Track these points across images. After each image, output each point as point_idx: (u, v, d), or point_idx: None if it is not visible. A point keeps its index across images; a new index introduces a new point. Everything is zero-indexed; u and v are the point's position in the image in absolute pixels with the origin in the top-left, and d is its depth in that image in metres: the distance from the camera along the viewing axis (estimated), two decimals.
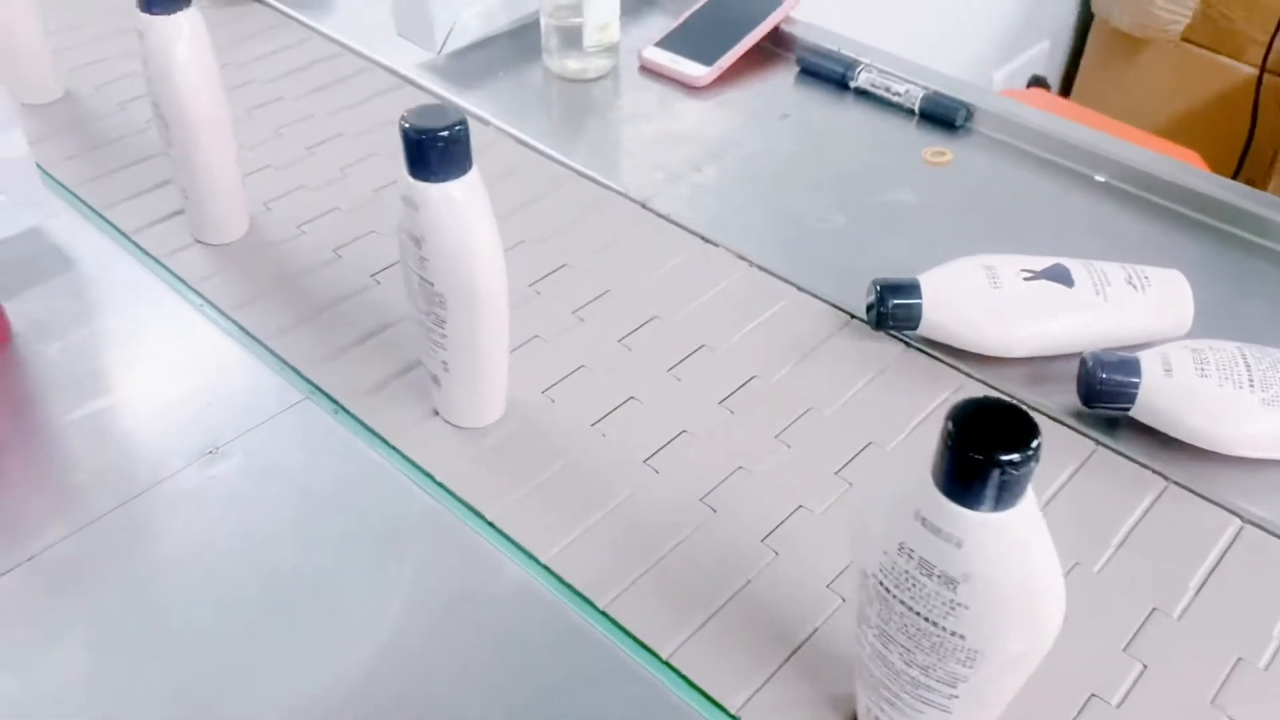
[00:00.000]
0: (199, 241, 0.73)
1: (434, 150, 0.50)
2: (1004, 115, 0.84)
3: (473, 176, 0.52)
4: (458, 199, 0.52)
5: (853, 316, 0.68)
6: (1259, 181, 1.94)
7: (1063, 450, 0.60)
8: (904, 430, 0.61)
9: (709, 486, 0.58)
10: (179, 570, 0.54)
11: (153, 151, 0.80)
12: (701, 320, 0.68)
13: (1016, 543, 0.37)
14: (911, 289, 0.64)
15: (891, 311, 0.64)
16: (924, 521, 0.37)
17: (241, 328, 0.67)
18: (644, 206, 0.77)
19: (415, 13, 0.89)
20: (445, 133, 0.50)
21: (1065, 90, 2.24)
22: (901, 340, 0.66)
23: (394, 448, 0.60)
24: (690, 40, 0.92)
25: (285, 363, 0.64)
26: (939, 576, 0.38)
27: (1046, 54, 2.14)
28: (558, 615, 0.52)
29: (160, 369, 0.65)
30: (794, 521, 0.56)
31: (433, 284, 0.54)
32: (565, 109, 0.89)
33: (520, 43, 0.95)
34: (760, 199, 0.79)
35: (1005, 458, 0.35)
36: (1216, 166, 1.36)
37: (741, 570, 0.54)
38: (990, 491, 0.36)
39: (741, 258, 0.73)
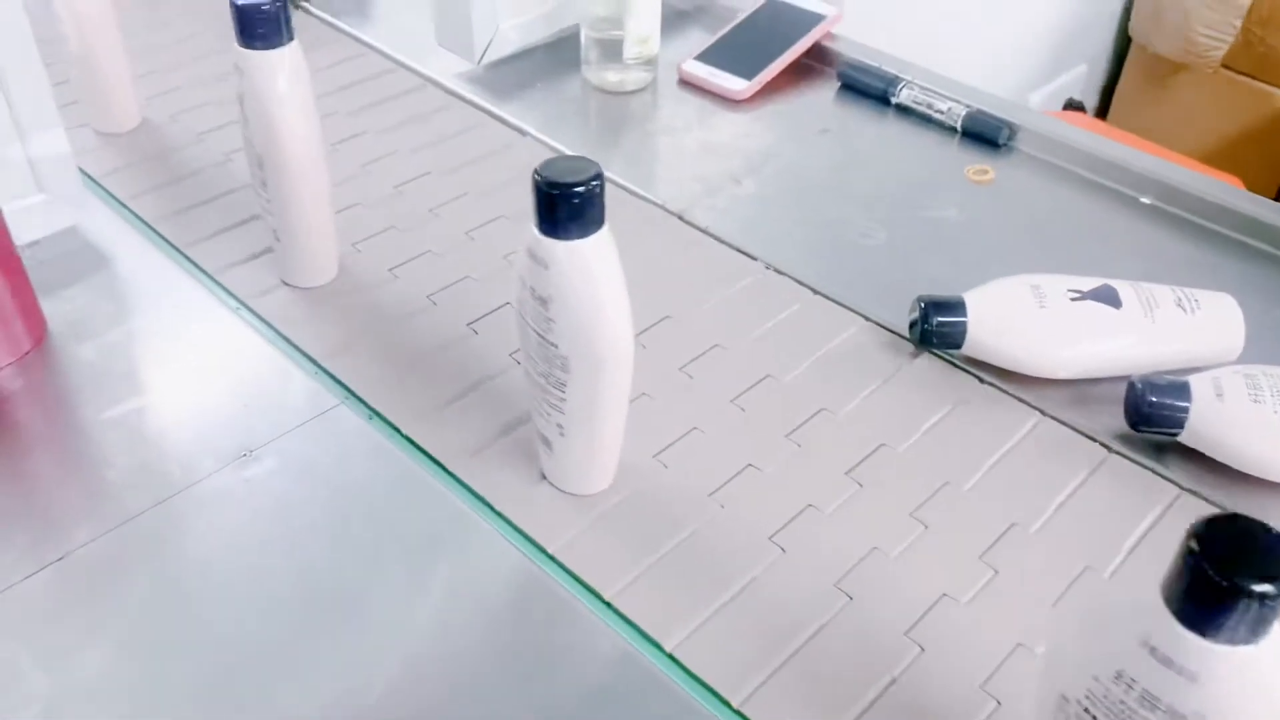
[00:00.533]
0: (286, 284, 0.70)
1: (568, 206, 0.47)
2: (1047, 135, 0.83)
3: (605, 234, 0.49)
4: (589, 258, 0.48)
5: (894, 333, 0.67)
6: None
7: (1107, 472, 0.58)
8: (981, 467, 0.58)
9: (778, 524, 0.56)
10: (210, 572, 0.54)
11: (232, 186, 0.78)
12: (720, 326, 0.67)
13: (1259, 680, 0.33)
14: (957, 307, 0.63)
15: (936, 329, 0.63)
16: (1153, 650, 0.33)
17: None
18: (680, 218, 0.77)
19: (455, 23, 0.89)
20: (582, 188, 0.47)
21: (1101, 114, 2.23)
22: (943, 359, 0.65)
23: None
24: (730, 54, 0.92)
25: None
26: (1165, 711, 0.34)
27: (1083, 78, 2.13)
28: (603, 639, 0.51)
29: (195, 370, 0.65)
30: (803, 519, 0.55)
31: (556, 345, 0.51)
32: (603, 121, 0.89)
33: (559, 54, 0.94)
34: (800, 213, 0.78)
35: (1261, 589, 0.31)
36: (1256, 193, 1.35)
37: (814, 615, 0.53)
38: (1237, 623, 0.32)
39: (778, 270, 0.72)
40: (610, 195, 0.78)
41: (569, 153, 0.74)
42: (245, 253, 0.72)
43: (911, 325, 0.65)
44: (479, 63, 0.90)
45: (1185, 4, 1.91)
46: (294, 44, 0.62)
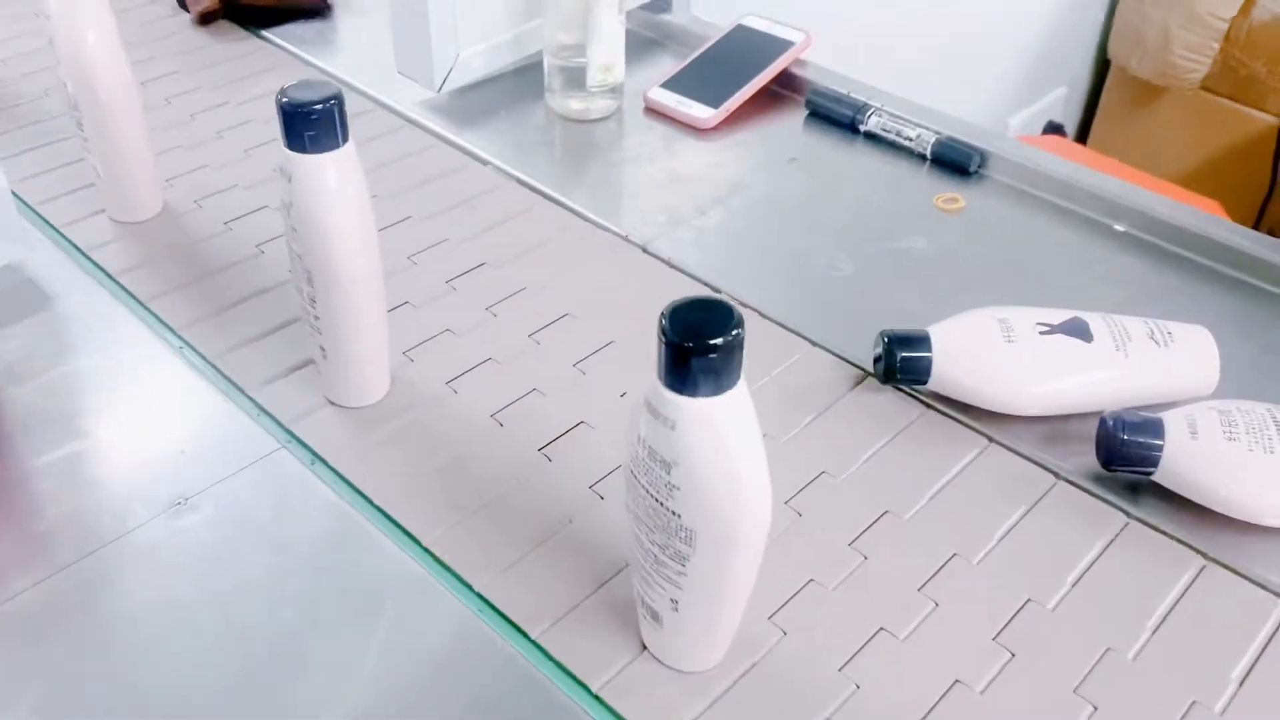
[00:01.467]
0: (333, 403, 0.62)
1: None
2: (1019, 161, 0.81)
3: (742, 388, 0.42)
4: (725, 419, 0.41)
5: (859, 368, 0.65)
6: None
7: (1083, 517, 0.56)
8: (922, 497, 0.57)
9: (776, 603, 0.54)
10: (141, 628, 0.51)
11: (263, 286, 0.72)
12: None
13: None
14: (921, 342, 0.61)
15: (900, 365, 0.61)
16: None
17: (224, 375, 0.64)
18: (644, 250, 0.75)
19: (415, 50, 0.87)
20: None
21: (1082, 137, 2.22)
22: (911, 395, 0.63)
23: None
24: (697, 82, 0.90)
25: (259, 406, 0.62)
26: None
27: (1063, 100, 2.13)
28: (540, 689, 0.49)
29: (135, 412, 0.63)
30: (804, 594, 0.53)
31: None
32: (567, 150, 0.87)
33: (523, 82, 0.93)
34: (766, 244, 0.76)
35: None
36: (1236, 217, 1.33)
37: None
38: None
39: (744, 304, 0.70)
40: (574, 226, 0.78)
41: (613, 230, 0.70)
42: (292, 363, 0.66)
43: (876, 360, 0.63)
44: (440, 90, 0.88)
45: (1164, 26, 1.91)
46: (350, 145, 0.55)
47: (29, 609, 0.51)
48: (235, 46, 0.98)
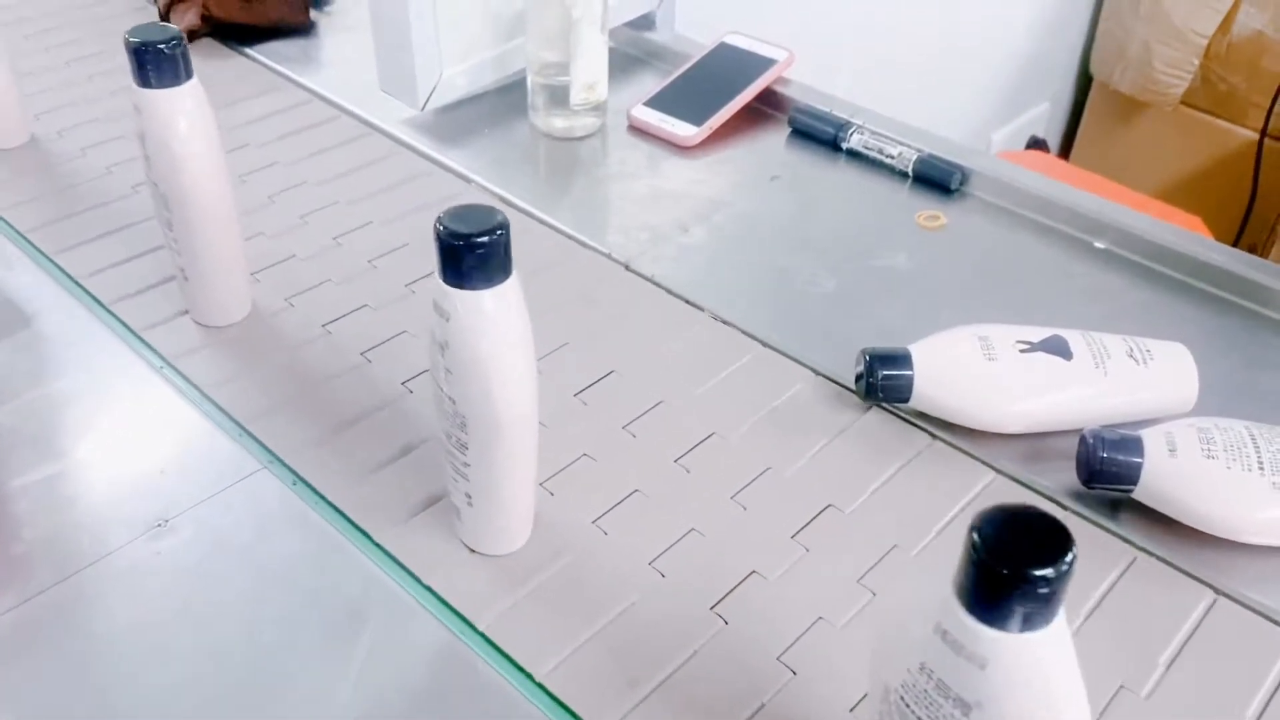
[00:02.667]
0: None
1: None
2: (1000, 179, 0.82)
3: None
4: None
5: (840, 385, 0.65)
6: (1261, 248, 1.93)
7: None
8: (930, 530, 0.57)
9: (659, 549, 0.55)
10: (119, 651, 0.51)
11: (135, 218, 0.77)
12: (673, 382, 0.65)
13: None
14: (902, 360, 0.61)
15: (882, 383, 0.61)
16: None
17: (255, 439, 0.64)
18: (627, 268, 0.75)
19: (398, 68, 0.87)
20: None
21: (1065, 152, 2.24)
22: (891, 413, 0.63)
23: (426, 585, 0.53)
24: (680, 100, 0.90)
25: (241, 427, 0.61)
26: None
27: (1046, 116, 2.14)
28: (521, 713, 0.48)
29: (114, 433, 0.62)
30: (747, 587, 0.52)
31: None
32: (551, 168, 0.87)
33: (507, 100, 0.93)
34: (748, 261, 0.77)
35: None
36: (1218, 232, 1.35)
37: (688, 642, 0.50)
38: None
39: (724, 321, 0.70)
40: (556, 244, 0.78)
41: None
42: (147, 282, 0.71)
43: (857, 379, 0.63)
44: (423, 108, 0.88)
45: (1145, 42, 1.92)
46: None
47: (6, 632, 0.51)
48: (219, 65, 0.98)
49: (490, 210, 0.46)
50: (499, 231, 0.45)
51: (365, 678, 0.49)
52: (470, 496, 0.52)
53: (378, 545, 0.55)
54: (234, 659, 0.50)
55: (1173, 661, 0.51)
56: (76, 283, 0.72)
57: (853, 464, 0.60)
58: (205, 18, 0.99)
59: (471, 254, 0.45)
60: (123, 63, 0.60)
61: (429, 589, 0.53)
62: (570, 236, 0.78)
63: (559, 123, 0.89)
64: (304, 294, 0.71)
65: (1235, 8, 1.84)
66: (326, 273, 0.73)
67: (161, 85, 0.60)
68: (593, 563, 0.54)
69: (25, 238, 0.75)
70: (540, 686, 0.49)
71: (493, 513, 0.53)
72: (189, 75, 0.60)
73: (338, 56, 1.00)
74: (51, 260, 0.73)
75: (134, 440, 0.62)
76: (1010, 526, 0.33)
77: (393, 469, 0.59)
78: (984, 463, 0.60)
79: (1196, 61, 1.88)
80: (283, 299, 0.71)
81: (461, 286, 0.46)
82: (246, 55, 0.99)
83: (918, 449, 0.61)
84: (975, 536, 0.32)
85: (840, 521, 0.57)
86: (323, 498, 0.57)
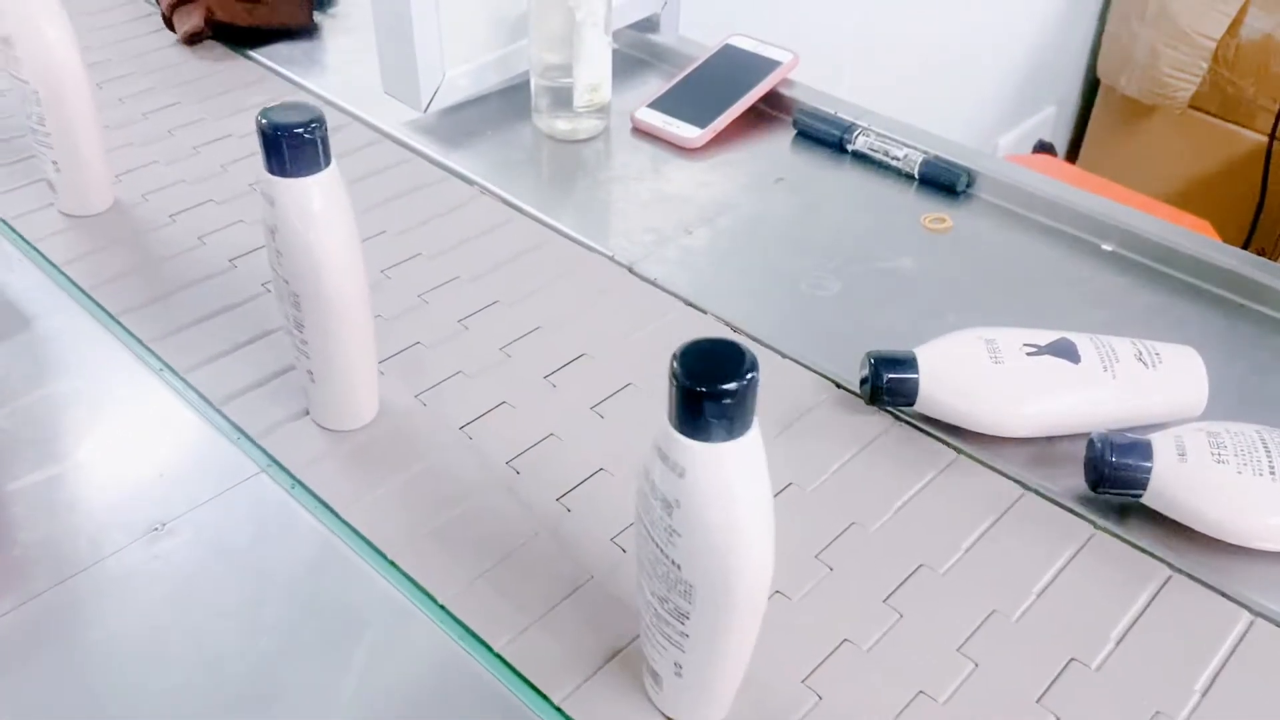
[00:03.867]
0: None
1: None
2: (1006, 181, 0.81)
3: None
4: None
5: (846, 389, 0.64)
6: (1270, 251, 1.92)
7: (1066, 536, 0.56)
8: (889, 511, 0.57)
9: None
10: (112, 657, 0.50)
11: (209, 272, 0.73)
12: None
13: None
14: (908, 363, 0.61)
15: (887, 386, 0.61)
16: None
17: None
18: (630, 270, 0.74)
19: (401, 70, 0.87)
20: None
21: (1072, 156, 2.23)
22: (897, 416, 0.62)
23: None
24: (684, 101, 0.90)
25: (240, 430, 0.61)
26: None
27: (1053, 119, 2.13)
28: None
29: (113, 436, 0.62)
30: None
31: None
32: (554, 170, 0.87)
33: (510, 102, 0.92)
34: (752, 264, 0.76)
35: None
36: (1226, 235, 1.34)
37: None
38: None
39: (728, 324, 0.69)
40: (561, 248, 0.77)
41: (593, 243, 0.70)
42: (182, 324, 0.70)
43: (862, 382, 0.62)
44: (426, 110, 0.88)
45: (1153, 45, 1.91)
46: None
47: (2, 635, 0.50)
48: (222, 67, 0.97)
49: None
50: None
51: (364, 685, 0.49)
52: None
53: (380, 553, 0.54)
54: (231, 665, 0.50)
55: (1209, 684, 0.50)
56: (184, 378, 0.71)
57: (859, 470, 0.59)
58: (208, 20, 0.99)
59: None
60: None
61: (436, 602, 0.52)
62: (574, 239, 0.77)
63: (562, 125, 0.88)
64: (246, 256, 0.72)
65: (1244, 10, 1.83)
66: None
67: (298, 174, 0.52)
68: (611, 582, 0.54)
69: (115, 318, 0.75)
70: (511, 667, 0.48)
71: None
72: (328, 160, 0.53)
73: (341, 59, 1.00)
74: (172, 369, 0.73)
75: (132, 443, 0.61)
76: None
77: (402, 478, 0.59)
78: (989, 466, 0.59)
79: (1205, 64, 1.88)
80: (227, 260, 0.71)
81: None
82: (250, 58, 0.99)
83: (922, 452, 0.60)
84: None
85: (864, 539, 0.56)
86: (323, 503, 0.57)
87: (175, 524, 0.56)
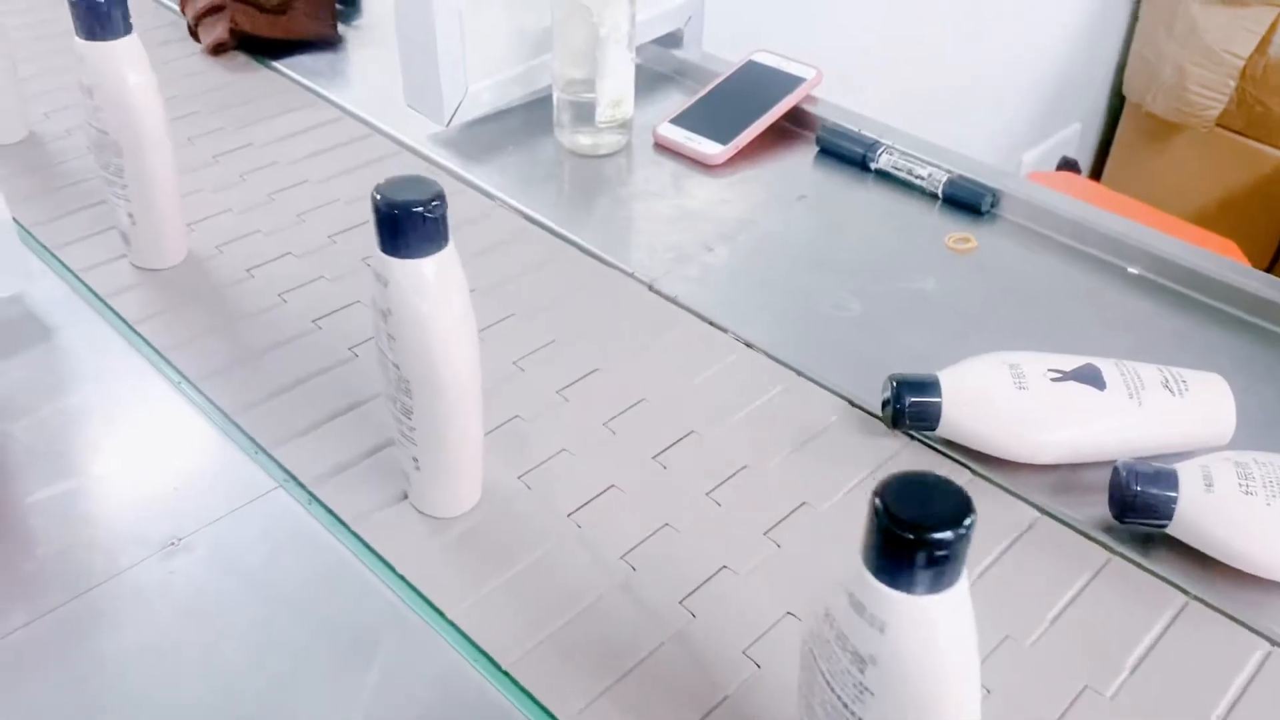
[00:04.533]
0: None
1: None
2: (1032, 202, 0.80)
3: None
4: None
5: (865, 410, 0.64)
6: None
7: (1082, 562, 0.55)
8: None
9: (690, 587, 0.53)
10: (128, 672, 0.50)
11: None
12: (700, 410, 0.64)
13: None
14: (930, 386, 0.60)
15: (909, 410, 0.60)
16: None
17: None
18: (650, 288, 0.74)
19: (424, 84, 0.87)
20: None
21: (1096, 173, 2.21)
22: (918, 440, 0.62)
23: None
24: (706, 117, 0.89)
25: (257, 445, 0.61)
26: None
27: (1078, 136, 2.12)
28: None
29: (130, 449, 0.62)
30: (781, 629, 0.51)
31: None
32: (576, 185, 0.86)
33: (532, 116, 0.92)
34: (773, 282, 0.76)
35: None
36: (1252, 256, 1.32)
37: (719, 685, 0.49)
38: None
39: (747, 344, 0.69)
40: (580, 263, 0.77)
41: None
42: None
43: (884, 405, 0.62)
44: (448, 124, 0.88)
45: (1180, 63, 1.90)
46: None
47: (15, 648, 0.50)
48: (246, 78, 0.98)
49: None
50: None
51: (375, 706, 0.48)
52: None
53: (392, 568, 0.54)
54: (242, 683, 0.49)
55: (1225, 715, 0.49)
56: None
57: (857, 480, 0.58)
58: (233, 31, 0.99)
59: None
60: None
61: (444, 615, 0.52)
62: (594, 255, 0.77)
63: (584, 140, 0.88)
64: (329, 316, 0.71)
65: (1272, 29, 1.82)
66: (355, 294, 0.72)
67: (417, 255, 0.49)
68: (621, 603, 0.53)
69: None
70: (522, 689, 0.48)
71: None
72: (447, 238, 0.50)
73: (365, 70, 1.00)
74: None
75: (148, 456, 0.61)
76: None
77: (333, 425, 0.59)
78: (1012, 493, 0.58)
79: (1232, 83, 1.86)
80: (309, 320, 0.70)
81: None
82: (274, 69, 0.99)
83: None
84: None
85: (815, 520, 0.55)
86: (338, 519, 0.57)
87: (191, 539, 0.55)
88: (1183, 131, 1.97)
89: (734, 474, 0.60)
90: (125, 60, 0.66)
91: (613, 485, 0.59)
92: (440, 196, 0.48)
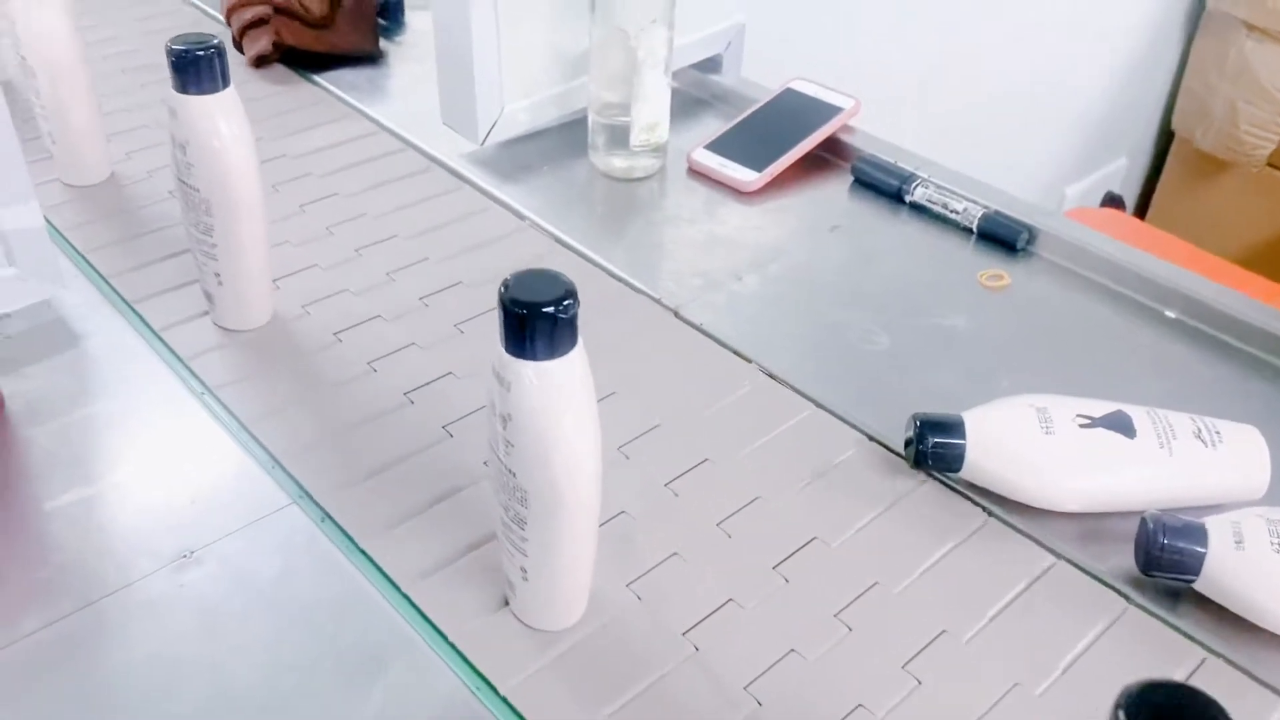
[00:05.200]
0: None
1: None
2: (1069, 240, 0.79)
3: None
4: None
5: (886, 447, 0.63)
6: None
7: (1097, 610, 0.53)
8: (915, 572, 0.55)
9: (756, 671, 0.52)
10: (134, 684, 0.50)
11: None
12: (718, 440, 0.63)
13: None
14: (955, 428, 0.59)
15: (932, 451, 0.59)
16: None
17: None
18: (676, 315, 0.73)
19: (460, 102, 0.87)
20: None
21: (1141, 210, 2.18)
22: (941, 482, 0.61)
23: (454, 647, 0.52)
24: (741, 144, 0.89)
25: (350, 538, 0.61)
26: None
27: (1124, 171, 2.09)
28: None
29: (149, 458, 0.62)
30: (786, 666, 0.50)
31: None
32: (608, 208, 0.86)
33: (567, 138, 0.92)
34: (801, 313, 0.75)
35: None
36: None
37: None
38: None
39: (771, 375, 0.68)
40: (607, 287, 0.76)
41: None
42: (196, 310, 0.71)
43: (907, 444, 0.61)
44: (483, 143, 0.88)
45: (1231, 101, 1.87)
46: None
47: (24, 656, 0.50)
48: (287, 91, 0.99)
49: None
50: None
51: None
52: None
53: (404, 594, 0.54)
54: (248, 700, 0.49)
55: None
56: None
57: (899, 537, 0.57)
58: (277, 44, 1.00)
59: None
60: None
61: (453, 646, 0.52)
62: (621, 280, 0.76)
63: (618, 163, 0.88)
64: (352, 329, 0.71)
65: None
66: (376, 308, 0.73)
67: (539, 358, 0.44)
68: (625, 631, 0.52)
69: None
70: None
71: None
72: (575, 340, 0.45)
73: (404, 87, 1.01)
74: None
75: (167, 467, 0.61)
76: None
77: (427, 516, 0.58)
78: (1037, 542, 0.57)
79: None
80: (331, 333, 0.70)
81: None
82: (315, 82, 1.00)
83: (967, 523, 0.58)
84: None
85: (886, 601, 0.54)
86: (350, 539, 0.56)
87: (203, 552, 0.55)
88: (1232, 170, 1.94)
89: (748, 504, 0.59)
90: (222, 115, 0.63)
91: (623, 511, 0.58)
92: (572, 294, 0.43)
